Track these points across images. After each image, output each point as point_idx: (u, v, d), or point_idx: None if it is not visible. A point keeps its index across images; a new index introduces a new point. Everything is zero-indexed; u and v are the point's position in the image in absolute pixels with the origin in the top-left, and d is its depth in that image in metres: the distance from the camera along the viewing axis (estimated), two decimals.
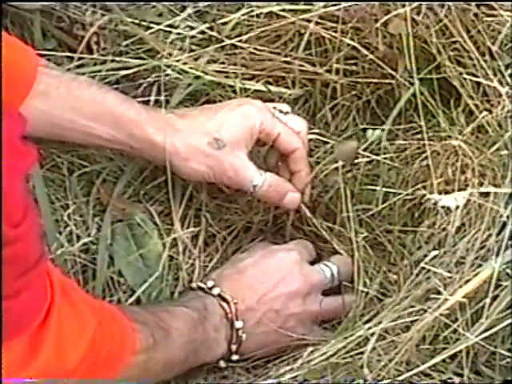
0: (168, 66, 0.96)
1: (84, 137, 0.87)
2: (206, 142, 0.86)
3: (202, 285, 0.88)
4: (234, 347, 0.86)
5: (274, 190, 0.89)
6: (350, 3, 1.00)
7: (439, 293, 0.79)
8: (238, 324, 0.86)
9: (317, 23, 1.00)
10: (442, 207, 0.87)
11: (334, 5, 1.01)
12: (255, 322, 0.86)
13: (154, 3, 1.00)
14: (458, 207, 0.85)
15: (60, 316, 0.65)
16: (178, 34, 0.98)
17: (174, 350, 0.79)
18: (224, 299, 0.86)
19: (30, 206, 0.59)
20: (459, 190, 0.88)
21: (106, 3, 0.99)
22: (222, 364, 0.87)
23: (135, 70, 0.96)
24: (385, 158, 0.94)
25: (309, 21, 1.00)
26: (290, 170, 0.91)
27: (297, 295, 0.88)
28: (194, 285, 0.90)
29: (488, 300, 0.77)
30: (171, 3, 0.99)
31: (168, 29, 0.98)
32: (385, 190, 0.93)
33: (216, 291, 0.87)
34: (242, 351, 0.86)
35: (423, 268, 0.84)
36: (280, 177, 0.91)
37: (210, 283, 0.88)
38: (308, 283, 0.89)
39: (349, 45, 0.99)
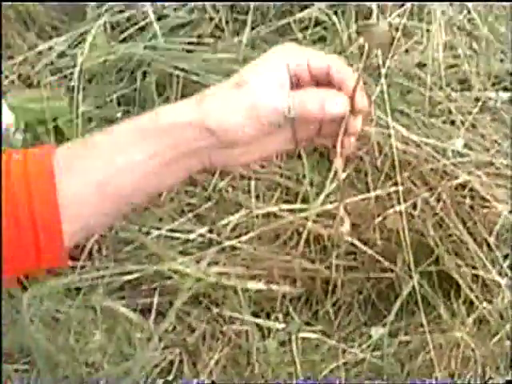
0: (170, 270, 1.14)
1: (131, 173, 0.87)
2: (230, 86, 0.87)
3: None
4: None
5: (310, 99, 0.88)
6: (348, 200, 1.23)
7: None
8: None
9: (314, 221, 1.23)
10: None
11: (331, 202, 1.24)
12: None
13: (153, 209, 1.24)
14: None
15: None
16: (179, 238, 1.18)
17: None
18: None
19: None
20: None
21: None
22: None
23: (137, 275, 1.14)
24: (388, 354, 1.13)
25: (306, 219, 1.23)
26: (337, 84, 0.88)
27: None
28: None
29: None
30: (171, 209, 1.23)
31: (169, 233, 1.17)
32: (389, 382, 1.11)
33: None
34: None
35: None
36: None
37: None
38: None
39: (347, 241, 1.22)
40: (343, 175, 1.22)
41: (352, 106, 0.85)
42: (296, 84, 0.88)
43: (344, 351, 1.14)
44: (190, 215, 1.22)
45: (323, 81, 0.89)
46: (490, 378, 1.01)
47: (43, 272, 0.96)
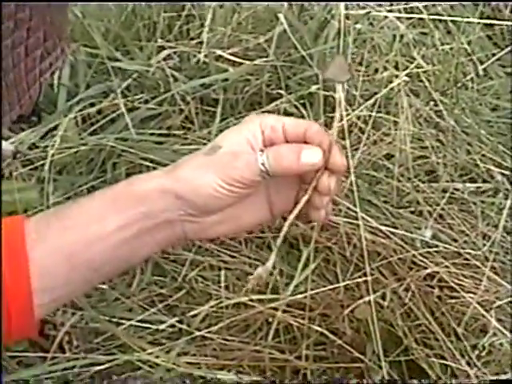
0: (139, 361, 1.20)
1: (104, 243, 0.90)
2: (203, 154, 0.91)
3: None
4: None
5: (284, 154, 0.91)
6: (316, 290, 1.32)
7: None
8: None
9: (284, 311, 1.30)
10: None
11: (301, 292, 1.33)
12: None
13: (123, 299, 1.31)
14: None
15: None
16: (149, 328, 1.24)
17: None
18: None
19: None
20: None
21: (77, 301, 1.30)
22: None
23: (108, 365, 1.19)
24: None
25: (276, 309, 1.31)
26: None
27: None
28: None
29: None
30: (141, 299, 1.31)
31: (139, 324, 1.24)
32: None
33: None
34: None
35: None
36: None
37: None
38: None
39: (317, 331, 1.30)
40: (313, 265, 1.31)
41: (327, 163, 0.89)
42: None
43: None
44: (161, 306, 1.29)
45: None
46: None
47: (12, 343, 1.00)
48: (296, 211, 0.90)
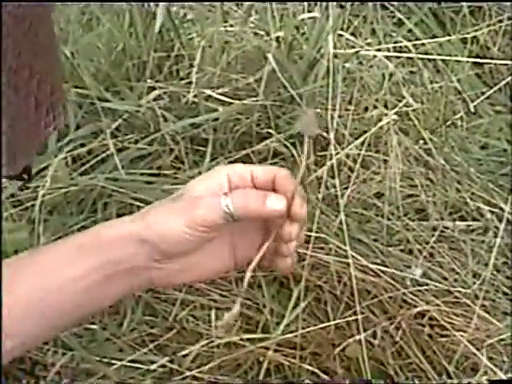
0: None
1: (64, 293, 0.92)
2: (170, 200, 0.95)
3: None
4: None
5: (249, 198, 0.94)
6: (307, 329, 1.36)
7: None
8: None
9: (275, 350, 1.32)
10: None
11: (291, 331, 1.36)
12: None
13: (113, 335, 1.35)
14: None
15: None
16: (140, 368, 1.28)
17: None
18: None
19: None
20: None
21: (67, 342, 1.33)
22: None
23: None
24: None
25: (267, 348, 1.35)
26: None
27: None
28: None
29: None
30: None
31: (130, 364, 1.28)
32: None
33: None
34: None
35: None
36: None
37: None
38: None
39: (308, 370, 1.33)
40: (303, 304, 1.34)
41: (289, 211, 0.92)
42: None
43: None
44: (151, 345, 1.33)
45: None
46: None
47: None
48: (258, 257, 0.92)
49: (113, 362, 1.29)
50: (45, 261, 0.94)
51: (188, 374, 1.29)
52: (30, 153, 0.79)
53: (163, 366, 1.30)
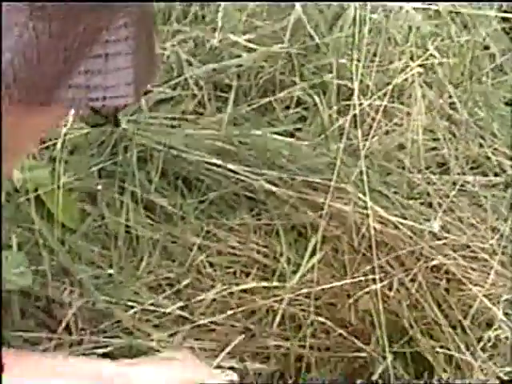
0: (145, 345, 1.17)
1: None
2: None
3: None
4: None
5: None
6: (322, 287, 1.28)
7: None
8: None
9: (290, 299, 1.24)
10: None
11: (307, 281, 1.30)
12: None
13: None
14: None
15: None
16: (155, 311, 1.21)
17: None
18: None
19: None
20: None
21: (82, 283, 1.27)
22: None
23: (112, 348, 1.16)
24: None
25: (282, 299, 1.27)
26: None
27: None
28: None
29: None
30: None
31: (145, 307, 1.20)
32: None
33: None
34: None
35: None
36: None
37: None
38: None
39: (322, 322, 1.27)
40: (320, 254, 1.27)
41: None
42: None
43: None
44: (167, 289, 1.26)
45: None
46: None
47: None
48: None
49: (128, 304, 1.22)
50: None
51: (202, 322, 1.22)
52: (149, 82, 0.75)
53: (177, 310, 1.23)
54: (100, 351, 1.16)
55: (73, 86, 0.66)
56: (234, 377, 1.13)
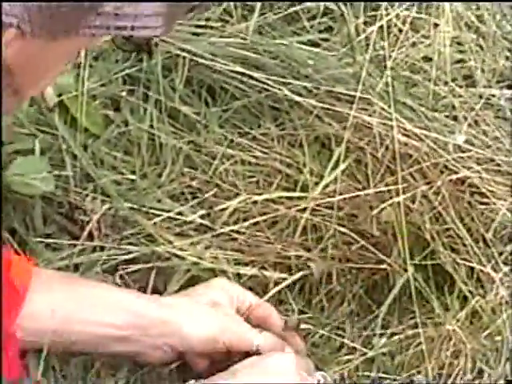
0: (167, 252, 1.16)
1: (95, 328, 1.03)
2: (205, 302, 1.08)
3: None
4: None
5: (277, 346, 1.09)
6: (345, 196, 1.26)
7: None
8: None
9: (312, 210, 1.23)
10: None
11: (330, 192, 1.27)
12: None
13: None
14: None
15: None
16: (177, 219, 1.21)
17: None
18: None
19: None
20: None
21: (105, 189, 1.26)
22: None
23: (135, 255, 1.17)
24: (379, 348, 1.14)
25: (304, 208, 1.23)
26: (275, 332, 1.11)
27: None
28: None
29: None
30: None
31: (167, 214, 1.20)
32: (379, 375, 1.12)
33: None
34: None
35: None
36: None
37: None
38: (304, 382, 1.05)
39: (343, 232, 1.24)
40: (343, 165, 1.25)
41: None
42: None
43: (335, 341, 1.18)
44: (190, 198, 1.24)
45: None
46: (481, 370, 1.05)
47: None
48: None
49: (151, 211, 1.21)
50: (85, 293, 1.07)
51: (224, 230, 1.21)
52: (182, 14, 0.72)
53: (199, 218, 1.22)
54: (123, 258, 1.15)
55: (101, 14, 0.63)
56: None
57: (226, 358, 1.09)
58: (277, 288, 1.18)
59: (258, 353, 1.07)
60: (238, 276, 1.17)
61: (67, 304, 1.03)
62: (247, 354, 1.07)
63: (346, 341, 1.16)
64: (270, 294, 1.17)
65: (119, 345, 1.06)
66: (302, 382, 1.06)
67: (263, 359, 1.07)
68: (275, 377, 1.04)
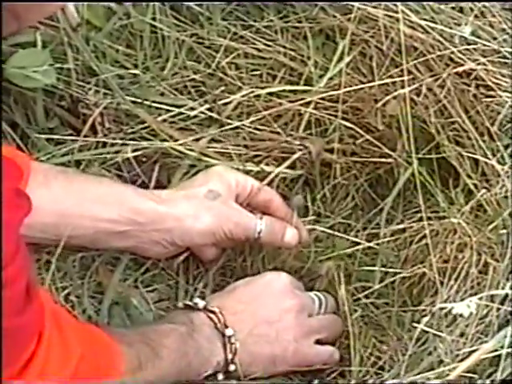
0: (170, 148, 1.10)
1: (93, 223, 0.99)
2: (203, 195, 1.03)
3: (189, 302, 1.01)
4: (229, 356, 0.97)
5: (276, 229, 1.04)
6: (349, 88, 1.17)
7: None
8: (229, 332, 0.97)
9: (317, 103, 1.14)
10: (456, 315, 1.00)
11: (334, 85, 1.18)
12: (247, 332, 0.98)
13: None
14: (471, 314, 0.97)
15: (49, 341, 0.75)
16: (180, 113, 1.13)
17: (163, 367, 0.91)
18: (211, 311, 0.98)
19: (19, 248, 0.69)
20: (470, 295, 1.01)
21: (107, 82, 1.16)
22: (220, 377, 0.98)
23: (138, 153, 1.10)
24: (383, 243, 1.09)
25: (308, 102, 1.14)
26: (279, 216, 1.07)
27: (289, 310, 1.00)
28: (180, 304, 1.02)
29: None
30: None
31: (170, 108, 1.12)
32: (383, 269, 1.06)
33: (202, 305, 0.99)
34: (238, 361, 0.97)
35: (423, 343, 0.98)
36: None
37: (197, 300, 1.01)
38: (299, 301, 1.02)
39: (348, 127, 1.14)
40: (348, 58, 1.15)
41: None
42: None
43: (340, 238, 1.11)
44: (193, 91, 1.15)
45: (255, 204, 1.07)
46: (486, 263, 0.97)
47: None
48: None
49: (154, 105, 1.13)
50: (83, 187, 1.02)
51: (228, 123, 1.13)
52: None
53: (203, 112, 1.13)
54: (125, 155, 1.07)
55: None
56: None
57: (233, 244, 1.06)
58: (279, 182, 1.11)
59: (257, 239, 1.04)
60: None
61: (66, 199, 0.99)
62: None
63: (350, 237, 1.09)
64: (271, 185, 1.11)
65: (118, 240, 1.02)
66: (298, 300, 1.02)
67: (256, 279, 1.03)
68: (270, 296, 1.01)
